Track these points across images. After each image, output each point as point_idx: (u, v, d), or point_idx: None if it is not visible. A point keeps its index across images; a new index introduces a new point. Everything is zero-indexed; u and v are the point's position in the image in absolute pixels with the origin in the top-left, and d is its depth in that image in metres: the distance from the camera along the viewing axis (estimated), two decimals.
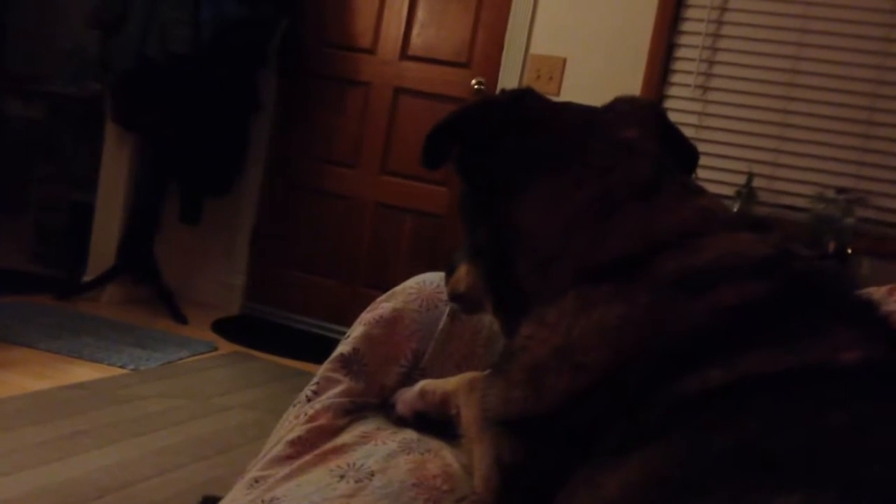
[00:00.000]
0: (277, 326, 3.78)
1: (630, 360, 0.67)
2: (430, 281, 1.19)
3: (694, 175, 0.93)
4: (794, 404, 0.59)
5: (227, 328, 3.54)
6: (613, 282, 0.71)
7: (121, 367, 2.77)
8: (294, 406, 1.06)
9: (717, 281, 0.68)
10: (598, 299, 0.70)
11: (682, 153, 0.90)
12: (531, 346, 0.73)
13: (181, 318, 3.50)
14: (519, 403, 0.72)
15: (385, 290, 1.20)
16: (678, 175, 0.81)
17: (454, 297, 1.00)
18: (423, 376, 1.10)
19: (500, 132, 0.85)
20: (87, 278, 3.62)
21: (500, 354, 0.79)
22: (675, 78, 3.13)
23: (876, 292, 1.10)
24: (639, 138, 0.83)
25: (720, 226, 0.74)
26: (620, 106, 0.90)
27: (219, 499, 0.93)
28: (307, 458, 0.92)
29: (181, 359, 2.98)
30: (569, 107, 0.89)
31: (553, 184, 0.80)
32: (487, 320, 1.15)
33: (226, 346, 3.28)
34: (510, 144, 0.84)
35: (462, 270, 0.96)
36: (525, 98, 0.87)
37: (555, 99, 0.91)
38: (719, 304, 0.66)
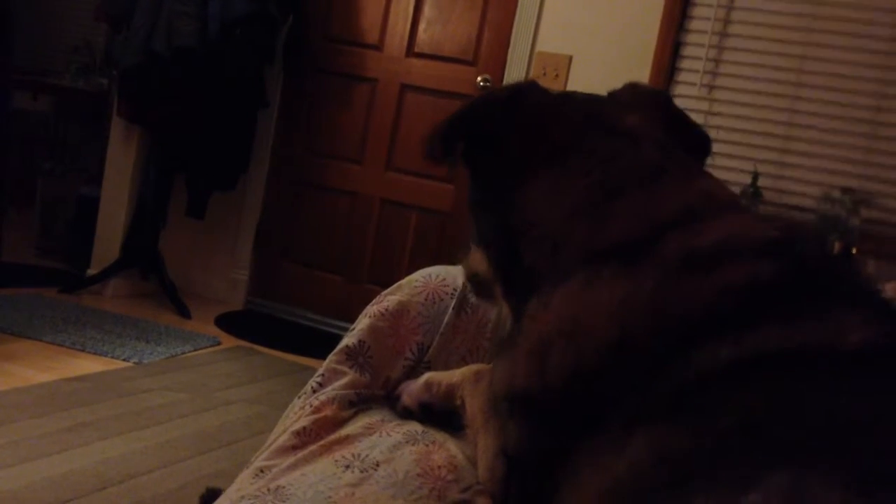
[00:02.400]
0: (281, 322, 3.79)
1: (635, 339, 0.67)
2: (436, 274, 1.19)
3: (709, 160, 0.93)
4: (800, 384, 0.59)
5: (230, 323, 3.55)
6: (619, 263, 0.71)
7: (124, 360, 2.77)
8: (299, 397, 1.06)
9: (723, 261, 0.67)
10: (603, 279, 0.70)
11: (693, 140, 0.90)
12: (536, 325, 0.73)
13: (185, 313, 3.51)
14: (523, 379, 0.72)
15: (389, 287, 1.20)
16: (683, 159, 0.81)
17: (470, 276, 1.01)
18: (429, 369, 1.10)
19: (501, 127, 0.85)
20: (91, 272, 3.63)
21: (508, 335, 0.79)
22: (682, 76, 3.13)
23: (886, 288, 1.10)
24: (641, 125, 0.84)
25: (725, 208, 0.75)
26: (623, 93, 0.90)
27: (222, 491, 0.93)
28: (312, 448, 0.92)
29: (184, 353, 2.99)
30: (571, 97, 0.89)
31: (555, 173, 0.81)
32: (493, 314, 1.15)
33: (229, 341, 3.28)
34: (512, 138, 0.84)
35: (476, 252, 0.96)
36: (526, 91, 0.87)
37: None
38: (726, 284, 0.66)
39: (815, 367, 0.60)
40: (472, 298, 1.14)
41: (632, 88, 0.92)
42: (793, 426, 0.56)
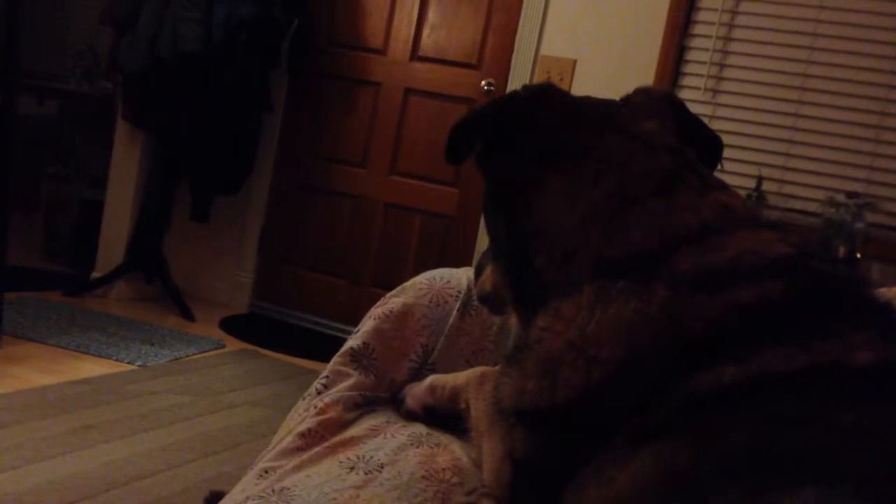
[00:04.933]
0: (285, 325, 3.79)
1: (645, 356, 0.67)
2: (440, 276, 1.19)
3: (720, 165, 0.92)
4: (807, 403, 0.59)
5: (234, 326, 3.55)
6: (630, 277, 0.70)
7: (129, 363, 2.78)
8: (304, 399, 1.06)
9: (735, 279, 0.67)
10: (614, 294, 0.70)
11: (705, 144, 0.90)
12: (546, 339, 0.73)
13: (189, 316, 3.51)
14: (533, 395, 0.72)
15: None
16: (698, 168, 0.80)
17: (482, 297, 1.01)
18: (433, 371, 1.10)
19: (519, 129, 0.84)
20: (96, 275, 3.64)
21: (515, 345, 0.79)
22: (686, 80, 3.13)
23: (886, 293, 1.10)
24: (657, 131, 0.83)
25: (740, 223, 0.74)
26: (637, 98, 0.89)
27: (225, 494, 0.93)
28: (317, 449, 0.93)
29: (189, 356, 2.99)
30: (587, 101, 0.88)
31: (570, 178, 0.80)
32: (499, 318, 1.15)
33: (233, 344, 3.28)
34: (529, 141, 0.84)
35: (488, 271, 0.96)
36: (545, 94, 0.86)
37: None
38: (736, 303, 0.66)
39: (823, 385, 0.60)
40: (478, 301, 1.14)
41: (646, 93, 0.90)
42: (799, 443, 0.56)
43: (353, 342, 1.11)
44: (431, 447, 0.92)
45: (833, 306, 0.67)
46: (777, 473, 0.54)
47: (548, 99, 0.85)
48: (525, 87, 0.87)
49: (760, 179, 2.91)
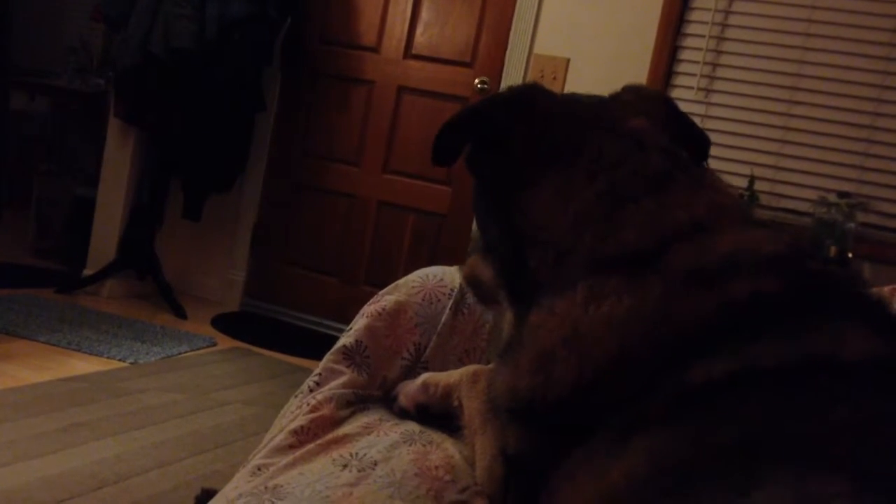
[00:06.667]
0: (277, 323, 3.78)
1: (638, 352, 0.67)
2: (434, 274, 1.19)
3: (706, 163, 0.93)
4: (799, 397, 0.59)
5: (226, 324, 3.54)
6: (624, 274, 0.71)
7: (120, 360, 2.77)
8: (296, 396, 1.06)
9: (728, 276, 0.68)
10: (608, 291, 0.70)
11: (693, 141, 0.90)
12: (540, 336, 0.73)
13: (181, 313, 3.50)
14: (526, 391, 0.72)
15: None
16: (691, 167, 0.80)
17: (469, 282, 1.00)
18: (426, 369, 1.10)
19: (508, 129, 0.84)
20: (87, 272, 3.63)
21: (508, 342, 0.79)
22: (679, 80, 3.13)
23: (878, 291, 1.10)
24: (648, 129, 0.83)
25: (733, 221, 0.74)
26: (626, 96, 0.89)
27: (217, 492, 0.92)
28: (310, 447, 0.92)
29: (180, 353, 2.98)
30: (576, 99, 0.88)
31: (562, 178, 0.80)
32: (492, 316, 1.15)
33: (225, 342, 3.28)
34: (519, 140, 0.83)
35: (476, 258, 0.95)
36: (533, 93, 0.86)
37: None
38: (730, 298, 0.66)
39: (815, 378, 0.60)
40: (470, 299, 1.14)
41: (635, 91, 0.90)
42: (791, 434, 0.56)
43: (345, 340, 1.11)
44: (424, 445, 0.92)
45: (826, 302, 0.67)
46: (768, 466, 0.54)
47: (535, 98, 0.85)
48: (511, 88, 0.87)
49: (752, 179, 2.92)
